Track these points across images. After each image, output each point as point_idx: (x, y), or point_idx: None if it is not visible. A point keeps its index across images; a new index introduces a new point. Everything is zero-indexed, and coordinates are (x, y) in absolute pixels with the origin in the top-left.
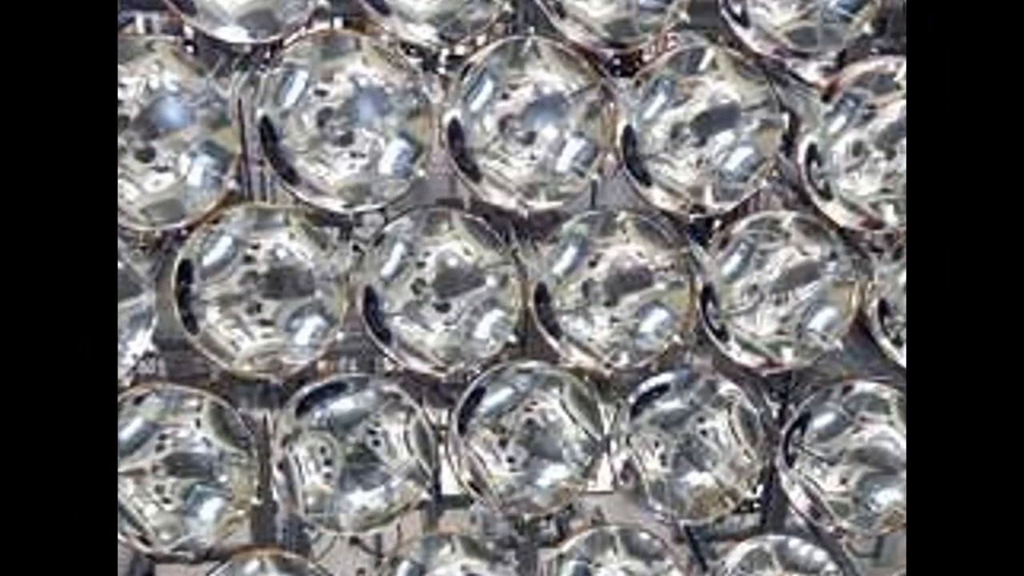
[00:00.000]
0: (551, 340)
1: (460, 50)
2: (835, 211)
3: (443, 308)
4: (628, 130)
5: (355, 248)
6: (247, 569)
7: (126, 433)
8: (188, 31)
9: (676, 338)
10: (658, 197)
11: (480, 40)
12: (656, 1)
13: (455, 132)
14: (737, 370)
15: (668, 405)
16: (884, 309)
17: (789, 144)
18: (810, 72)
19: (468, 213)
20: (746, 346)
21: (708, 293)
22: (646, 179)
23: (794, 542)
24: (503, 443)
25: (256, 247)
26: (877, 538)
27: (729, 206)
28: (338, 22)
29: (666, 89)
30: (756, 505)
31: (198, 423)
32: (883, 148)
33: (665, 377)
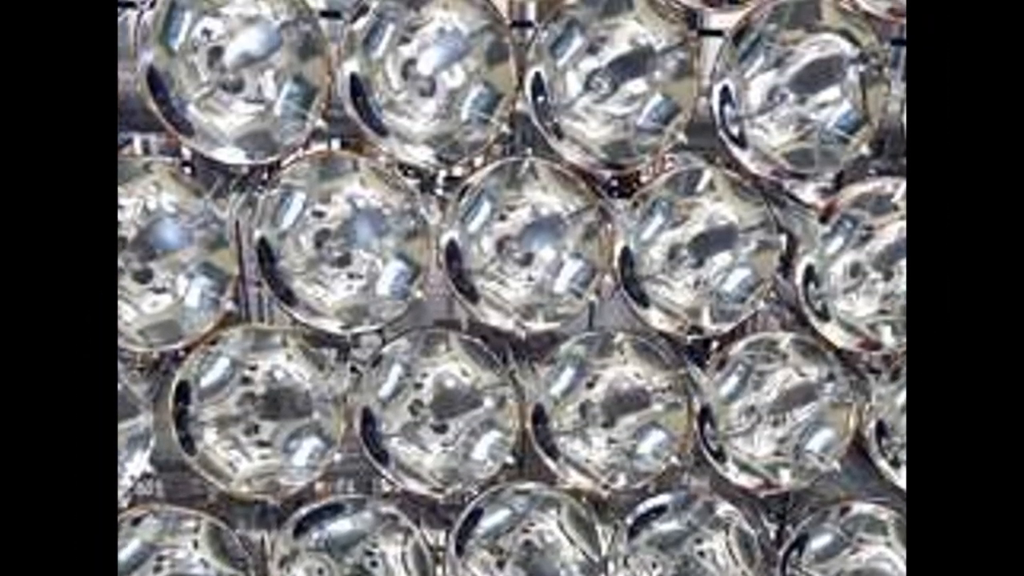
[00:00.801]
0: (549, 461)
1: (458, 171)
2: (833, 332)
3: (441, 429)
4: (626, 251)
5: (353, 369)
6: None
7: (124, 555)
8: (186, 152)
9: (674, 459)
10: (656, 318)
11: (478, 161)
12: (653, 122)
13: (453, 253)
14: (735, 491)
15: (666, 526)
16: (882, 430)
17: (787, 265)
18: (808, 193)
19: (466, 334)
20: (744, 467)
21: (706, 414)
22: (644, 300)
23: None
24: (501, 564)
25: (254, 368)
26: None
27: (727, 327)
28: (336, 143)
29: (664, 210)
30: None
31: (196, 544)
32: (881, 269)
33: (663, 498)
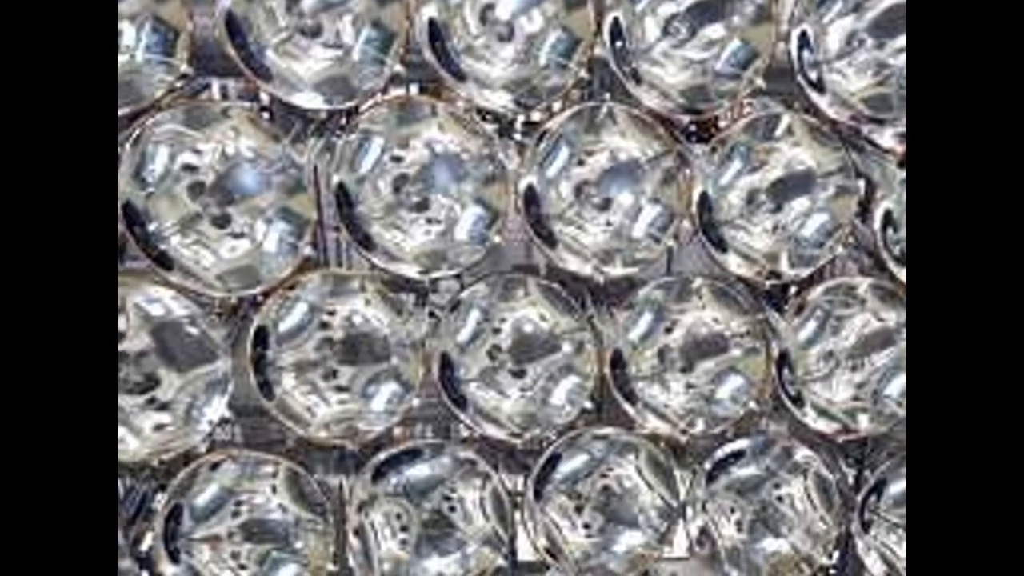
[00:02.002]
0: (627, 406)
1: (536, 116)
2: None
3: (519, 374)
4: (704, 196)
5: (431, 314)
6: None
7: (202, 499)
8: (264, 97)
9: (752, 404)
10: (734, 263)
11: (556, 106)
12: (732, 67)
13: (531, 198)
14: (813, 436)
15: (744, 471)
16: None
17: (865, 210)
18: (886, 138)
19: (544, 279)
20: (822, 412)
21: (784, 359)
22: (722, 245)
23: None
24: (579, 509)
25: (332, 313)
26: None
27: (805, 272)
28: (414, 88)
29: (742, 155)
30: (832, 571)
31: (274, 489)
32: None
33: (741, 443)
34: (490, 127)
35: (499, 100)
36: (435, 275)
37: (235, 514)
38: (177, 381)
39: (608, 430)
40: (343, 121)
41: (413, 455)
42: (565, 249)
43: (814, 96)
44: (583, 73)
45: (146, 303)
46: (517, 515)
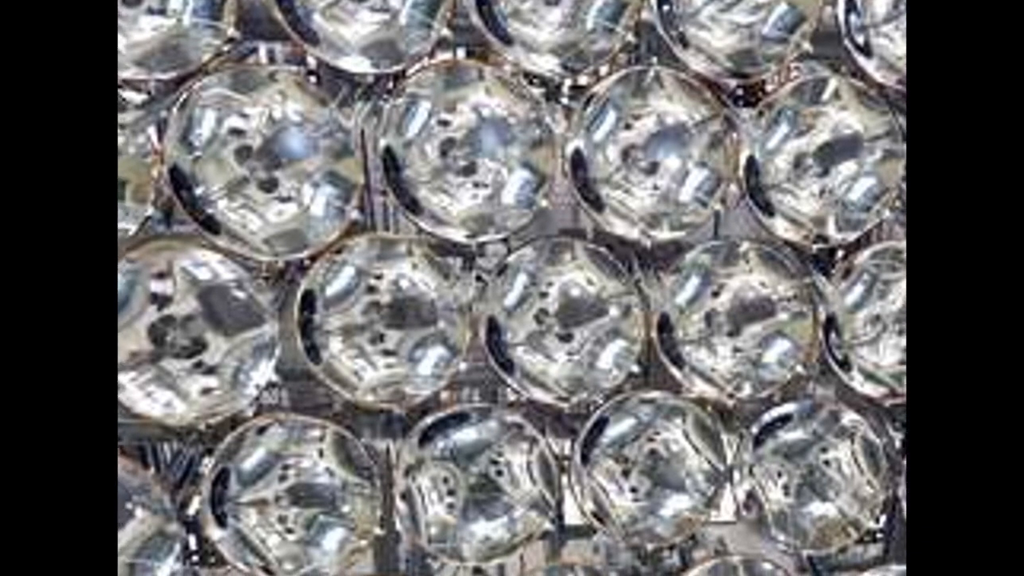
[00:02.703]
0: (674, 370)
1: (583, 80)
2: None
3: (566, 338)
4: (751, 160)
5: (478, 278)
6: None
7: (249, 463)
8: (311, 61)
9: (799, 368)
10: (781, 227)
11: (603, 70)
12: (779, 31)
13: (578, 162)
14: (860, 400)
15: (791, 435)
16: None
17: None
18: None
19: (591, 243)
20: (869, 376)
21: (831, 323)
22: (769, 209)
23: None
24: (626, 473)
25: (379, 277)
26: None
27: (852, 236)
28: (461, 52)
29: (789, 119)
30: (879, 535)
31: (321, 453)
32: None
33: (788, 407)
34: (537, 91)
35: (546, 64)
36: (482, 239)
37: (282, 478)
38: (224, 345)
39: (655, 394)
40: (390, 85)
41: (460, 419)
42: (612, 213)
43: (861, 60)
44: (630, 37)
45: (193, 267)
46: (564, 479)
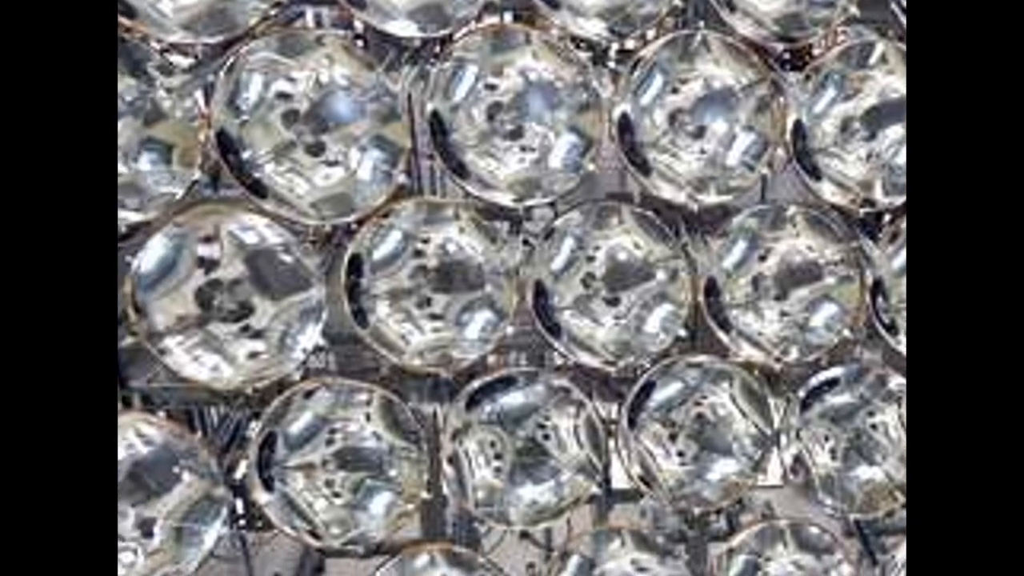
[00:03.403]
0: (721, 334)
1: (630, 44)
2: None
3: (613, 302)
4: (798, 124)
5: (525, 242)
6: (417, 563)
7: (296, 427)
8: (358, 25)
9: (846, 332)
10: (828, 191)
11: (650, 34)
12: None
13: (625, 126)
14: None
15: (838, 399)
16: None
17: None
18: None
19: (638, 207)
20: None
21: (878, 287)
22: (816, 173)
23: None
24: (673, 437)
25: (426, 241)
26: None
27: (899, 200)
28: (508, 16)
29: (836, 83)
30: None
31: (368, 417)
32: None
33: (835, 371)
34: (584, 55)
35: (593, 28)
36: (529, 203)
37: (329, 442)
38: (271, 309)
39: (702, 358)
40: (437, 49)
41: (507, 383)
42: (659, 177)
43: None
44: (676, 1)
45: (240, 231)
46: (611, 443)
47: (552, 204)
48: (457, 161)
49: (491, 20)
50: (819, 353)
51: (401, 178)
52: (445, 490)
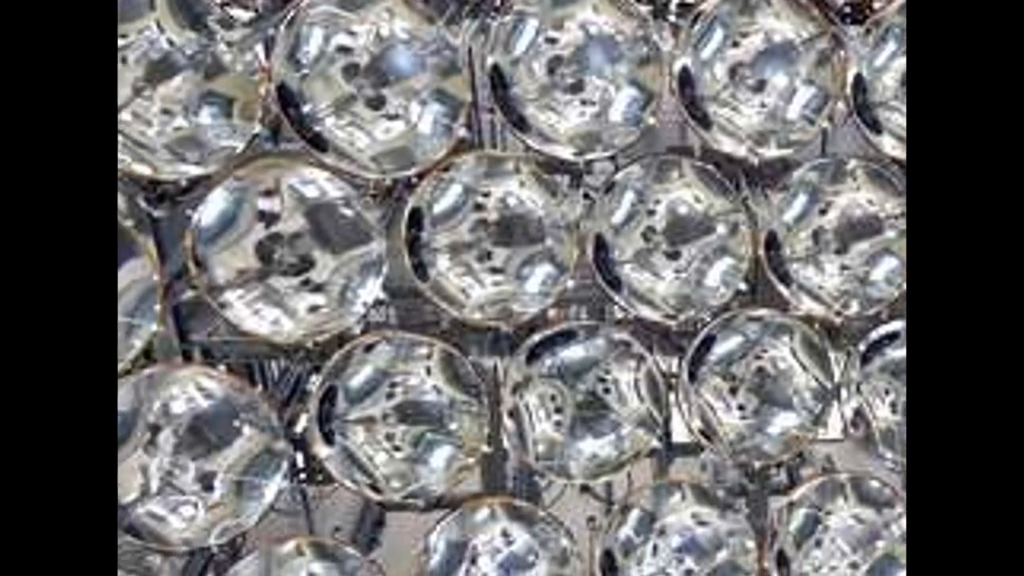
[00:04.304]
0: (781, 288)
1: None
2: None
3: (673, 256)
4: (859, 78)
5: (585, 196)
6: (477, 517)
7: (356, 381)
8: None
9: (906, 286)
10: (888, 144)
11: None
12: None
13: (685, 80)
14: None
15: (899, 353)
16: None
17: None
18: None
19: (698, 161)
20: None
21: None
22: (876, 127)
23: None
24: (733, 391)
25: (487, 195)
26: None
27: None
28: None
29: (897, 37)
30: None
31: (428, 371)
32: None
33: (895, 325)
34: (644, 8)
35: None
36: (590, 156)
37: (389, 396)
38: (332, 263)
39: (763, 312)
40: (497, 2)
41: (568, 337)
42: (720, 130)
43: None
44: None
45: (301, 185)
46: (671, 397)
47: (612, 158)
48: (517, 115)
49: None
50: (879, 307)
51: (461, 132)
52: (505, 444)
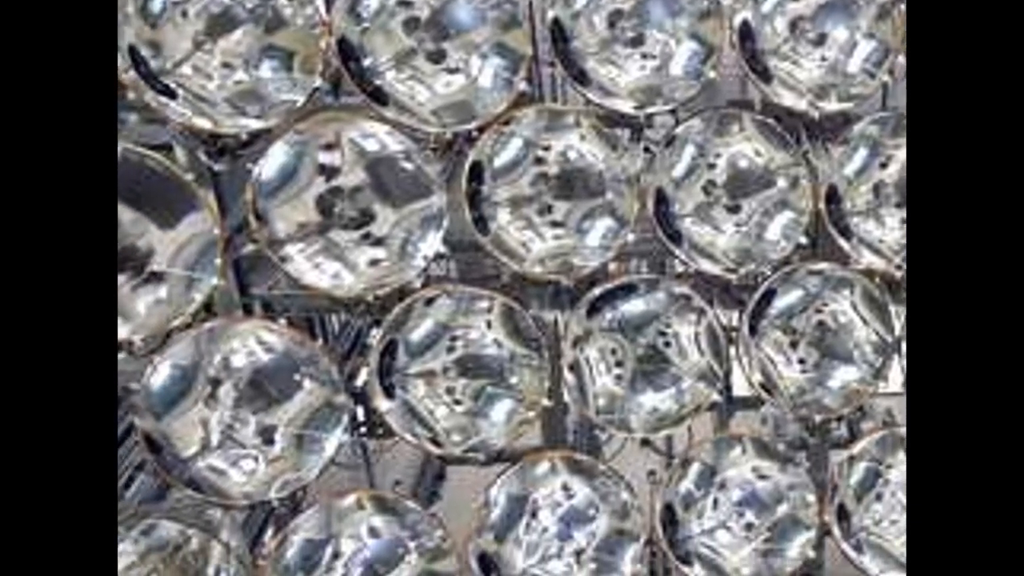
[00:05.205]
0: (842, 242)
1: None
2: None
3: (734, 209)
4: None
5: (646, 150)
6: (538, 471)
7: (416, 334)
8: None
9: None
10: None
11: None
12: None
13: (746, 33)
14: None
15: None
16: None
17: None
18: None
19: (759, 114)
20: None
21: None
22: None
23: None
24: (794, 344)
25: (547, 148)
26: None
27: None
28: None
29: None
30: None
31: (489, 324)
32: None
33: None
34: None
35: None
36: (650, 110)
37: (450, 349)
38: (392, 216)
39: (823, 265)
40: None
41: (628, 290)
42: (780, 84)
43: None
44: None
45: (361, 138)
46: (732, 350)
47: (673, 111)
48: (578, 68)
49: None
50: None
51: (522, 85)
52: (566, 397)
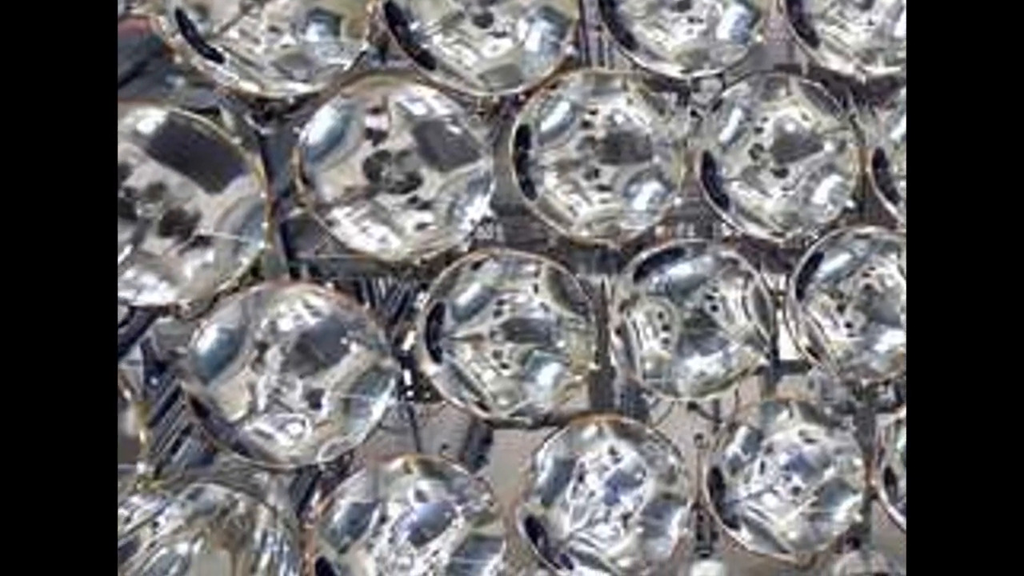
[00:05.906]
0: (889, 205)
1: None
2: None
3: (781, 173)
4: None
5: (693, 113)
6: (585, 435)
7: (464, 299)
8: None
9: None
10: None
11: None
12: None
13: None
14: None
15: None
16: None
17: None
18: None
19: (806, 78)
20: None
21: None
22: None
23: None
24: (841, 308)
25: (594, 112)
26: None
27: None
28: None
29: None
30: None
31: (536, 288)
32: None
33: None
34: None
35: None
36: (697, 74)
37: (497, 313)
38: (439, 180)
39: (870, 229)
40: None
41: (675, 254)
42: (827, 48)
43: None
44: None
45: (408, 102)
46: (779, 314)
47: (720, 75)
48: (625, 32)
49: None
50: None
51: (569, 49)
52: (613, 361)
